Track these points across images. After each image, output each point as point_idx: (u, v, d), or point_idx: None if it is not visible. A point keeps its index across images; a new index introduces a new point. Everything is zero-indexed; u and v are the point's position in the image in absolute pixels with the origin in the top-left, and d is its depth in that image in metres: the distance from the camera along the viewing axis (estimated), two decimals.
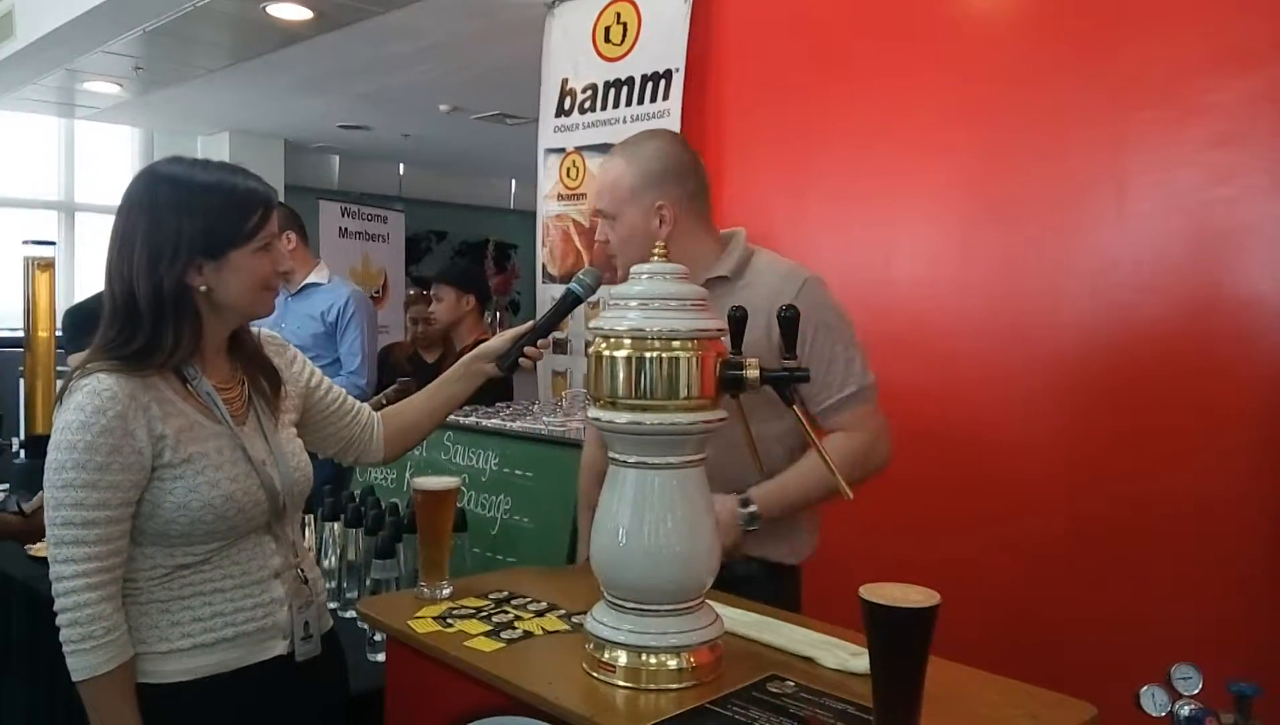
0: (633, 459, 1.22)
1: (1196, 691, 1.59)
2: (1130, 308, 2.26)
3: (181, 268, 1.35)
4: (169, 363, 1.36)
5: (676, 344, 1.20)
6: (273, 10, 4.21)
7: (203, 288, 1.37)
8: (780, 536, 1.77)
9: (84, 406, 1.29)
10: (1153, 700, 1.63)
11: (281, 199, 3.69)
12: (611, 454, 1.26)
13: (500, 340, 1.67)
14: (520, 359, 1.63)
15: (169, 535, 1.34)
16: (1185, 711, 1.60)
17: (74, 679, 1.29)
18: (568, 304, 1.67)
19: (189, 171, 1.40)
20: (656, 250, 1.29)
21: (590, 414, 1.26)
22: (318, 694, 1.49)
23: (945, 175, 2.61)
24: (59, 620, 1.29)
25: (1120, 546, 2.19)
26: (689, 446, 1.23)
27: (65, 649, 1.29)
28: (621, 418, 1.20)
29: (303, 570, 1.49)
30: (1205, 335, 2.15)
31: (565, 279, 4.02)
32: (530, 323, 1.68)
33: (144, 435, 1.32)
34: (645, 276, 1.26)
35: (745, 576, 1.67)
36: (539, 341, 1.65)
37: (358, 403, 1.68)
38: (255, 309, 1.44)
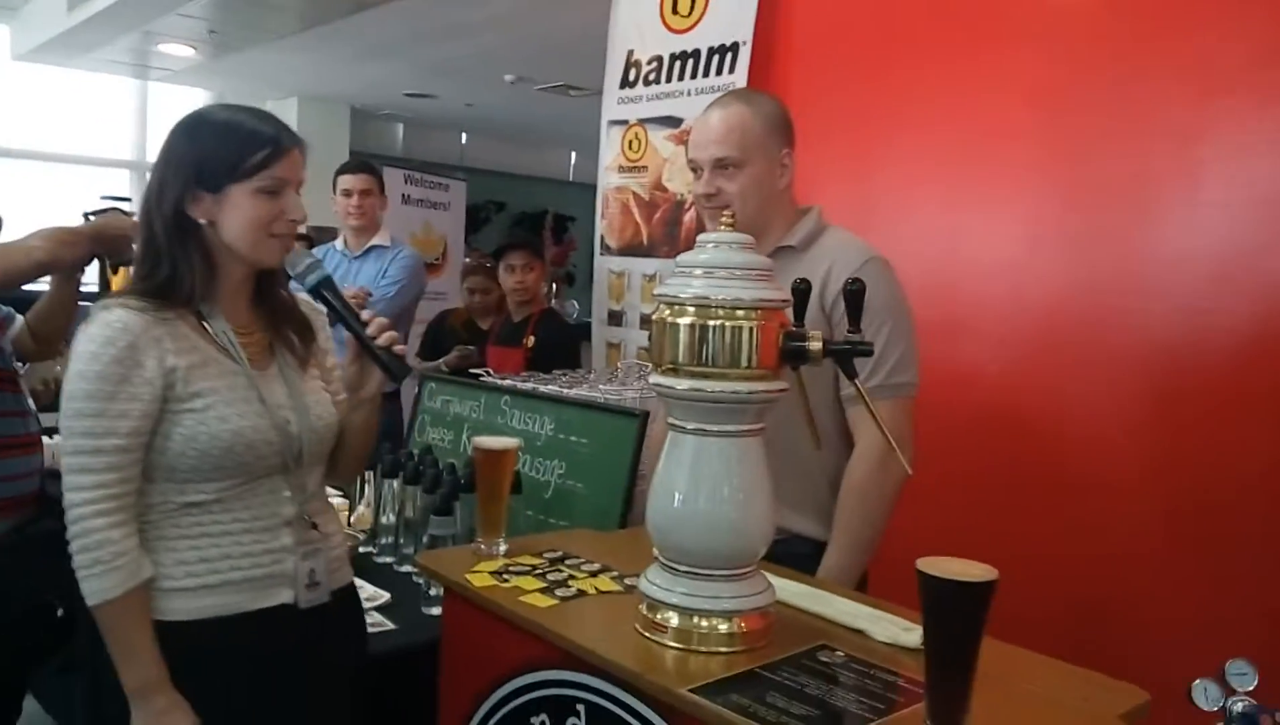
0: (692, 426, 1.23)
1: (1252, 688, 1.56)
2: (1204, 297, 2.21)
3: (178, 195, 1.36)
4: (191, 296, 1.37)
5: (740, 313, 1.20)
6: None
7: (203, 221, 1.38)
8: (809, 508, 1.77)
9: (95, 337, 1.31)
10: (1205, 695, 1.60)
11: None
12: (671, 420, 1.27)
13: (349, 371, 1.51)
14: (389, 356, 1.45)
15: (178, 470, 1.35)
16: (1239, 708, 1.58)
17: (88, 604, 1.30)
18: (332, 294, 1.47)
19: (213, 110, 1.44)
20: (724, 218, 1.30)
21: (651, 380, 1.27)
22: (326, 648, 1.47)
23: (1015, 160, 2.57)
24: (71, 548, 1.30)
25: (1183, 538, 2.15)
26: (748, 415, 1.23)
27: (78, 575, 1.29)
28: (682, 384, 1.21)
29: (311, 517, 1.46)
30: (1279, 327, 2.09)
31: (624, 251, 4.03)
32: (349, 338, 1.48)
33: (154, 366, 1.32)
34: (711, 245, 1.26)
35: (794, 554, 1.66)
36: (369, 332, 1.45)
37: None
38: (257, 253, 1.40)
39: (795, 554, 1.68)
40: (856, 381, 1.29)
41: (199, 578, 1.36)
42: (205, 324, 1.40)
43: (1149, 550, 2.20)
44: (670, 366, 1.23)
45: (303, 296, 1.56)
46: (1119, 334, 2.33)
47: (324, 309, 1.53)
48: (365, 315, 1.47)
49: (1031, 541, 2.31)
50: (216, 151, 1.38)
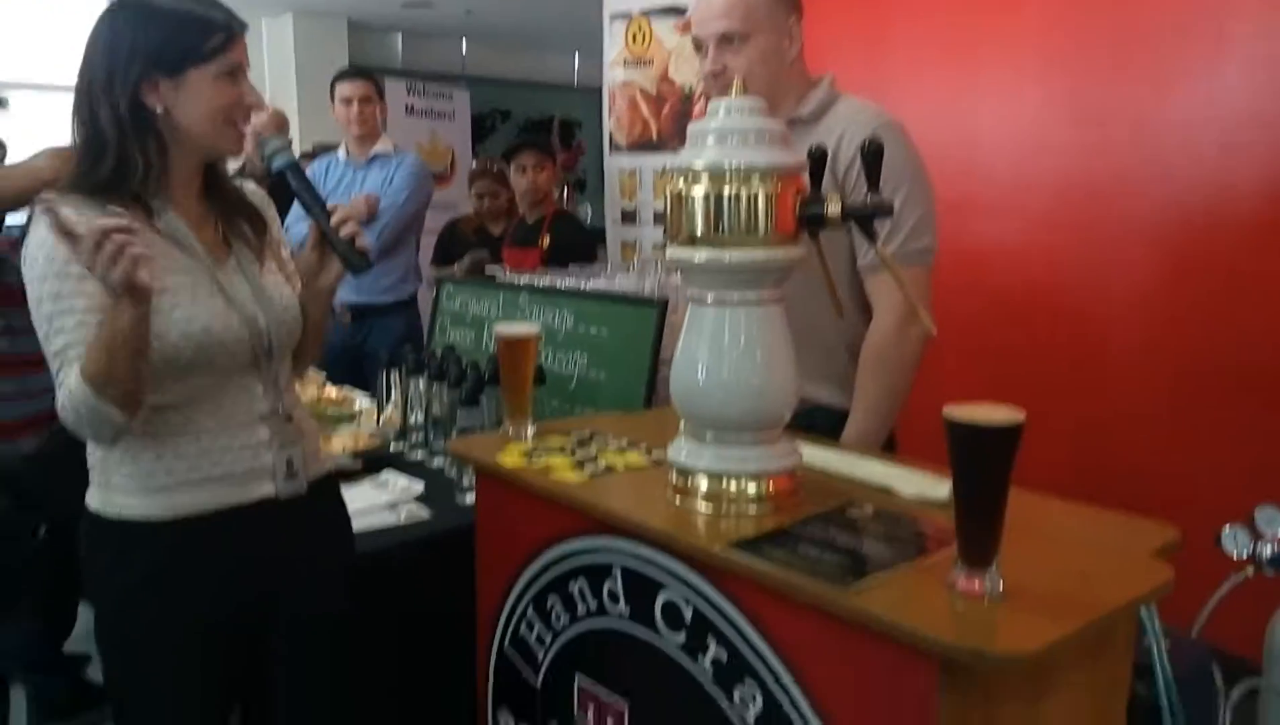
0: (711, 296, 1.23)
1: None
2: (1218, 163, 2.17)
3: (136, 81, 1.31)
4: (138, 189, 1.33)
5: (755, 179, 1.18)
6: None
7: (159, 109, 1.32)
8: (830, 379, 1.77)
9: (45, 240, 1.26)
10: (1234, 540, 1.62)
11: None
12: (690, 293, 1.26)
13: (307, 259, 1.49)
14: (348, 247, 1.43)
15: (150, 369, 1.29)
16: (1268, 552, 1.60)
17: (102, 430, 1.26)
18: (298, 178, 1.46)
19: None
20: (736, 85, 1.27)
21: (669, 253, 1.26)
22: (310, 541, 1.47)
23: (1027, 29, 2.50)
24: (65, 419, 1.26)
25: (1206, 390, 2.16)
26: (767, 283, 1.22)
27: (87, 434, 1.28)
28: (700, 255, 1.20)
29: (285, 409, 1.44)
30: None
31: (634, 148, 3.97)
32: (311, 225, 1.47)
33: None
34: (722, 111, 1.24)
35: (816, 427, 1.67)
36: (333, 222, 1.44)
37: None
38: (218, 141, 1.38)
39: (818, 427, 1.69)
40: (878, 244, 1.27)
41: (177, 475, 1.34)
42: (156, 222, 1.35)
43: (1175, 404, 2.21)
44: (688, 238, 1.22)
45: (250, 187, 1.53)
46: (1133, 202, 2.31)
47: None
48: (331, 205, 1.45)
49: (1053, 413, 2.32)
50: (174, 35, 1.32)
